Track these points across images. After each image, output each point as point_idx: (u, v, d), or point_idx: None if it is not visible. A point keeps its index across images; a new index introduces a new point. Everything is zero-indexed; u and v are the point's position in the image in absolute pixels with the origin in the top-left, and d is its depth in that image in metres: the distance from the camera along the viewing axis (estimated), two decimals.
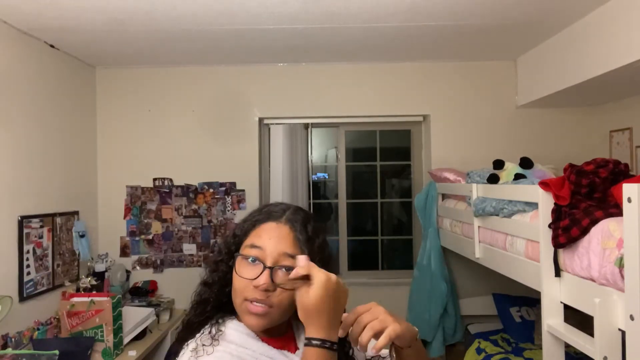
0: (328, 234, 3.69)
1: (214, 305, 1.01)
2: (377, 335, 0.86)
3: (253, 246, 0.96)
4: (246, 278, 0.94)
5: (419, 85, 3.67)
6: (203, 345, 0.93)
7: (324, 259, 0.99)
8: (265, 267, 0.93)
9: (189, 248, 3.66)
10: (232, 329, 0.97)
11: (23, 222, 2.70)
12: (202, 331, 0.97)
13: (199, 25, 2.75)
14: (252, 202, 3.66)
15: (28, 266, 2.74)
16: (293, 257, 0.94)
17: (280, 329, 1.02)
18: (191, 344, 0.95)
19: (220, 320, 0.99)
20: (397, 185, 4.10)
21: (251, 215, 1.04)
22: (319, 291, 0.85)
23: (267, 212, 1.01)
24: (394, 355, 0.96)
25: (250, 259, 0.95)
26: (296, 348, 1.02)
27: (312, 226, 1.00)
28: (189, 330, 1.00)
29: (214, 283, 1.02)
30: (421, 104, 3.68)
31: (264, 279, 0.92)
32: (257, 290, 0.92)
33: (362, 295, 3.52)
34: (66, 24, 2.67)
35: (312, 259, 0.93)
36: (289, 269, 0.93)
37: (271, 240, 0.96)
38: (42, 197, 2.92)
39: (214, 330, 0.96)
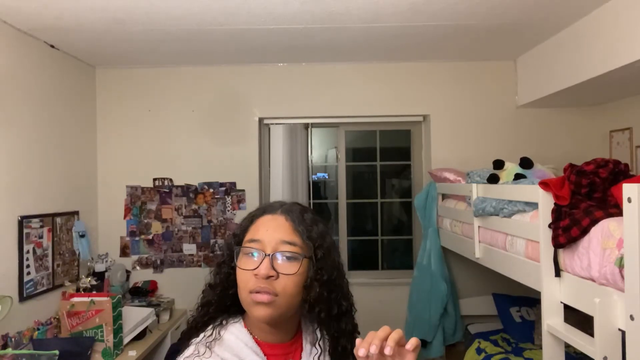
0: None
1: (217, 307, 1.02)
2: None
3: (252, 240, 0.98)
4: (247, 269, 0.95)
5: (419, 85, 3.67)
6: (198, 351, 0.94)
7: (326, 245, 1.00)
8: (265, 256, 0.94)
9: (189, 248, 3.66)
10: (232, 334, 0.97)
11: (23, 222, 2.70)
12: (204, 332, 0.98)
13: (199, 25, 2.75)
14: (252, 202, 3.66)
15: (28, 266, 2.74)
16: (291, 243, 0.96)
17: (288, 330, 1.02)
18: (191, 347, 0.96)
19: (224, 322, 0.99)
20: (397, 185, 4.10)
21: (249, 214, 1.06)
22: None
23: (263, 208, 1.05)
24: None
25: (250, 254, 0.96)
26: (300, 356, 1.02)
27: (309, 215, 1.02)
28: (193, 330, 1.02)
29: (216, 285, 1.03)
30: (421, 104, 3.68)
31: (264, 266, 0.93)
32: (260, 279, 0.93)
33: (362, 295, 3.53)
34: (66, 24, 2.67)
35: (312, 246, 0.97)
36: (289, 255, 0.95)
37: (268, 230, 0.97)
38: (42, 197, 2.92)
39: (214, 334, 0.97)
